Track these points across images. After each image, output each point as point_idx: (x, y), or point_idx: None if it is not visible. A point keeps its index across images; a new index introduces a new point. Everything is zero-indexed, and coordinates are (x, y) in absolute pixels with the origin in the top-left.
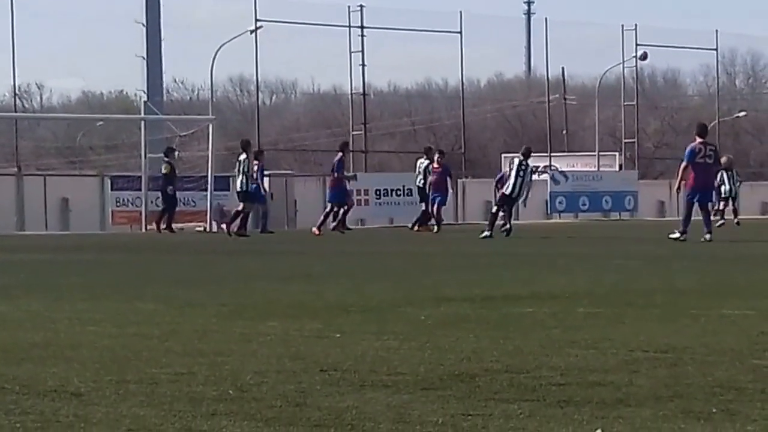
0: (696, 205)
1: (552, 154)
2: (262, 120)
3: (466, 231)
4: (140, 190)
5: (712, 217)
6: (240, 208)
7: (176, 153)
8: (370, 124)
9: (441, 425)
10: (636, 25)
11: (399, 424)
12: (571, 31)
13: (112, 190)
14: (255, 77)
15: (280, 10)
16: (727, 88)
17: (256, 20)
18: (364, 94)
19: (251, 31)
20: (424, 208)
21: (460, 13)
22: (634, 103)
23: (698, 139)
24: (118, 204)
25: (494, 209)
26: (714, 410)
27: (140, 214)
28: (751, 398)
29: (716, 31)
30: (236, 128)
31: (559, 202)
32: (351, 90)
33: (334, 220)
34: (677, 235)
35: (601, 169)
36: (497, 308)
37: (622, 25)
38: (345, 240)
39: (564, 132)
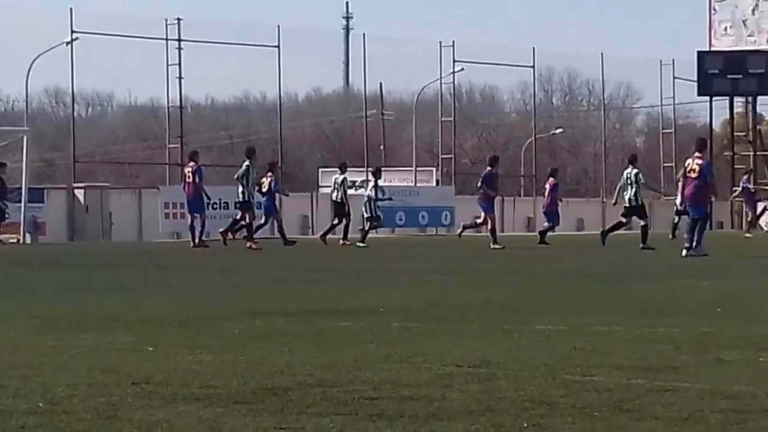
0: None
1: (369, 169)
2: (78, 132)
3: (282, 245)
4: None
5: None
6: (238, 216)
7: (6, 166)
8: (187, 137)
9: None
10: (454, 41)
11: None
12: (389, 47)
13: None
14: (71, 89)
15: (96, 22)
16: (544, 105)
17: (72, 32)
18: (181, 107)
19: (67, 43)
20: (336, 222)
21: (278, 27)
22: (452, 119)
23: (697, 154)
24: None
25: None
26: (525, 425)
27: None
28: (562, 413)
29: (533, 48)
30: (51, 140)
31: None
32: (168, 103)
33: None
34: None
35: (418, 184)
36: (312, 322)
37: (440, 42)
38: (160, 254)
39: (381, 147)
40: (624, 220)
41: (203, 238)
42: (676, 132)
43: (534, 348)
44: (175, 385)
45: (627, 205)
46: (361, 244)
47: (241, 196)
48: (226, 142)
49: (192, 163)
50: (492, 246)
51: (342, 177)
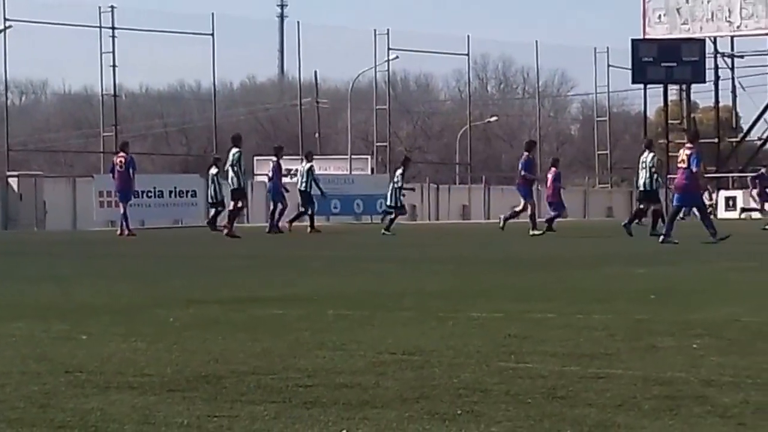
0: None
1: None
2: (11, 120)
3: (218, 234)
4: None
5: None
6: (232, 207)
7: None
8: (121, 125)
9: (186, 426)
10: (388, 29)
11: (144, 426)
12: (324, 35)
13: None
14: (3, 77)
15: (30, 10)
16: (479, 93)
17: (5, 19)
18: (115, 95)
19: (0, 31)
20: (303, 210)
21: (212, 15)
22: (387, 107)
23: (688, 145)
24: None
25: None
26: (459, 412)
27: None
28: (496, 400)
29: (468, 36)
30: None
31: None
32: (102, 91)
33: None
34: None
35: (353, 172)
36: (246, 310)
37: (375, 30)
38: (94, 242)
39: (317, 135)
40: (642, 206)
41: (130, 226)
42: (611, 120)
43: (468, 335)
44: (108, 374)
45: (641, 189)
46: (387, 232)
47: (234, 183)
48: (161, 131)
49: (123, 154)
50: (531, 232)
51: (309, 165)
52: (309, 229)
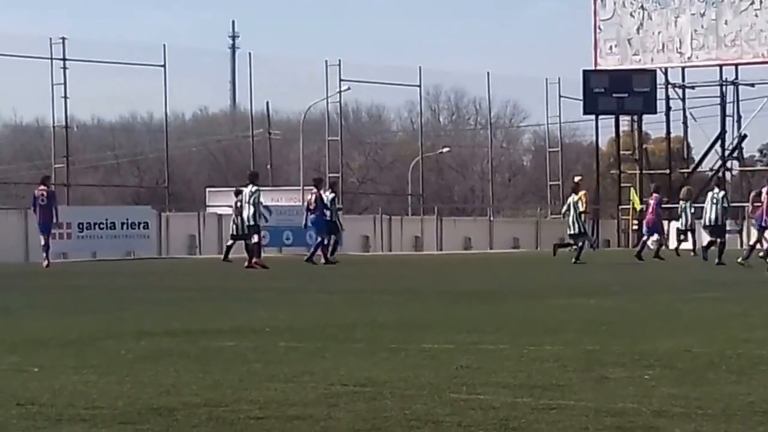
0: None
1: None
2: None
3: (172, 265)
4: None
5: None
6: (253, 241)
7: None
8: (72, 157)
9: None
10: (340, 60)
11: None
12: (275, 66)
13: None
14: None
15: None
16: (431, 124)
17: None
18: (66, 126)
19: None
20: (326, 241)
21: (164, 46)
22: (339, 138)
23: None
24: None
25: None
26: None
27: None
28: (448, 431)
29: (420, 67)
30: None
31: (263, 236)
32: (53, 122)
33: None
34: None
35: (305, 203)
36: (198, 342)
37: (326, 61)
38: (46, 274)
39: (269, 166)
40: (711, 239)
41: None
42: (563, 150)
43: (420, 367)
44: (60, 406)
45: (711, 224)
46: (578, 261)
47: (252, 219)
48: (113, 162)
49: (44, 187)
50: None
51: (332, 196)
52: (323, 260)
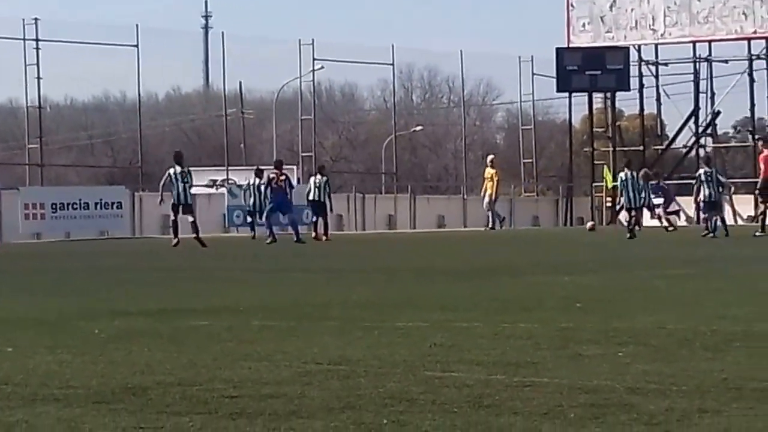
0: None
1: (230, 167)
2: None
3: (145, 244)
4: None
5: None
6: (192, 219)
7: None
8: (46, 137)
9: None
10: (313, 39)
11: None
12: (248, 46)
13: None
14: None
15: None
16: (404, 102)
17: None
18: (39, 107)
19: None
20: (315, 219)
21: (137, 26)
22: (312, 117)
23: None
24: None
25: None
26: (385, 421)
27: None
28: (422, 409)
29: (393, 46)
30: None
31: (236, 216)
32: (27, 103)
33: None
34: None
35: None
36: (172, 322)
37: (300, 40)
38: (20, 255)
39: (242, 146)
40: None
41: None
42: (536, 128)
43: (394, 345)
44: (34, 386)
45: (706, 201)
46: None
47: (182, 198)
48: (86, 142)
49: None
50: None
51: (325, 179)
52: (323, 237)
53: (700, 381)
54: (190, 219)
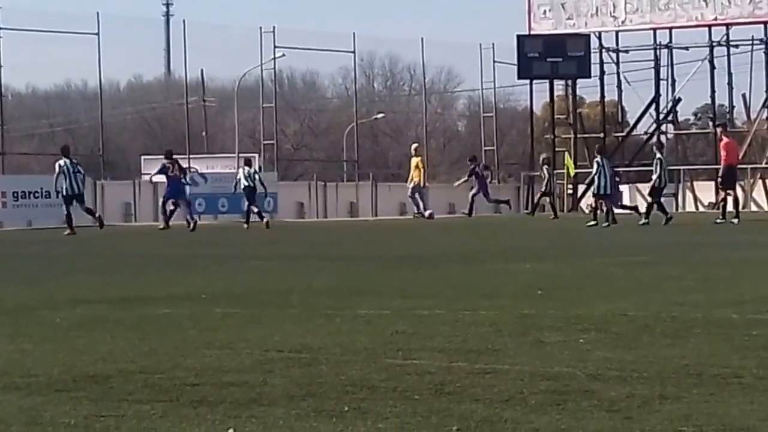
0: None
1: (191, 155)
2: None
3: (106, 232)
4: None
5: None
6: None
7: None
8: (7, 125)
9: (73, 427)
10: (274, 27)
11: (31, 427)
12: (210, 34)
13: None
14: None
15: None
16: (366, 90)
17: None
18: (1, 95)
19: None
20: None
21: (98, 14)
22: (273, 105)
23: None
24: None
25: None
26: (346, 408)
27: None
28: (383, 396)
29: (354, 33)
30: None
31: (199, 204)
32: None
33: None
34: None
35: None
36: (134, 309)
37: (261, 27)
38: None
39: (204, 134)
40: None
41: None
42: (497, 115)
43: (355, 332)
44: None
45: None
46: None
47: (73, 189)
48: (47, 131)
49: None
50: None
51: (251, 169)
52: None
53: (661, 367)
54: (83, 207)
